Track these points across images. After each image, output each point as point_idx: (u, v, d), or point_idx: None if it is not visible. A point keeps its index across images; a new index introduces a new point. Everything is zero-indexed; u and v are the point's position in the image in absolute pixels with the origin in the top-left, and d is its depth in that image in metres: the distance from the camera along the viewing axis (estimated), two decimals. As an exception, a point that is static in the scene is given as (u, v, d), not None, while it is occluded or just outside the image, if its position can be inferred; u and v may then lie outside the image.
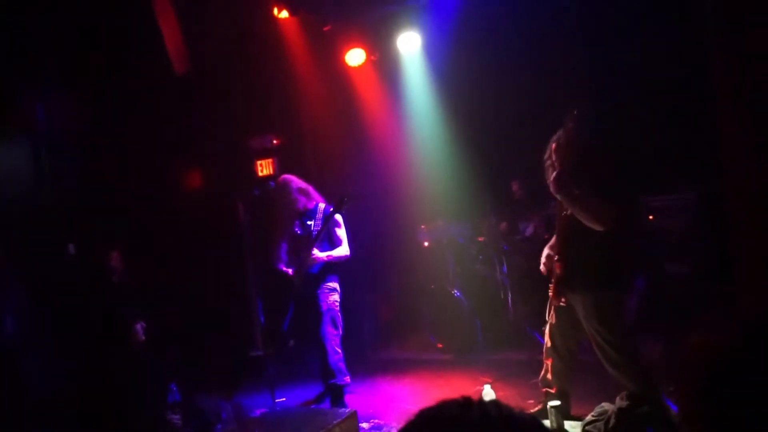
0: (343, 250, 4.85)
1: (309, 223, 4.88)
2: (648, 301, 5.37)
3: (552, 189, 3.54)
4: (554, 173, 3.50)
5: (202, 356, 5.86)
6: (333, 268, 4.90)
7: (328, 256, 4.77)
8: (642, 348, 3.96)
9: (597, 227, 3.42)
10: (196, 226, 6.64)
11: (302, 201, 4.92)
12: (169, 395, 4.64)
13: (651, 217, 5.80)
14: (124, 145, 6.23)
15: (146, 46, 6.13)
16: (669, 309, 5.29)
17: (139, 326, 5.29)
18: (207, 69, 6.62)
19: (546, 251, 3.85)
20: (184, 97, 6.56)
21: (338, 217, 4.82)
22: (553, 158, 3.63)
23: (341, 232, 4.87)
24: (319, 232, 4.72)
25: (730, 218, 3.87)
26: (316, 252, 4.71)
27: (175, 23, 6.39)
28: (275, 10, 6.78)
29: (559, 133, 3.68)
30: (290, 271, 4.87)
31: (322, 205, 4.96)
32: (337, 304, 4.85)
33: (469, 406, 0.91)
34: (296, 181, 4.99)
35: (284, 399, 5.33)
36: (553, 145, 3.67)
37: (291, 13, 6.77)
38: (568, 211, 3.56)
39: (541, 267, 3.85)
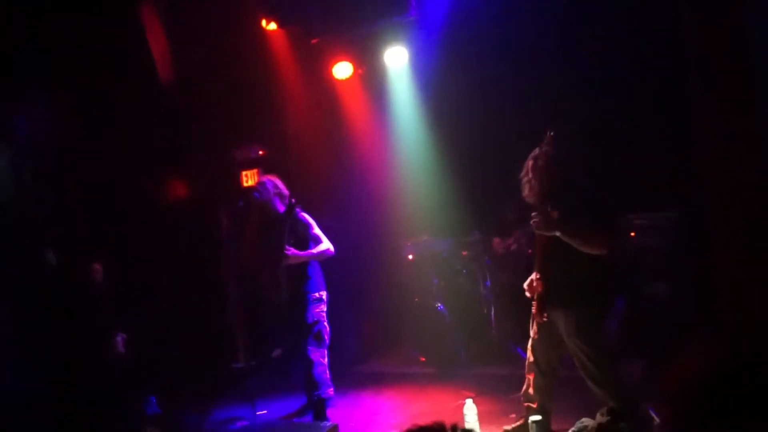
0: (323, 245, 4.76)
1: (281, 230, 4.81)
2: (628, 320, 5.42)
3: (540, 230, 3.60)
4: (537, 214, 3.57)
5: (183, 368, 5.80)
6: (318, 276, 4.86)
7: (305, 253, 4.71)
8: (623, 366, 4.00)
9: (595, 252, 3.49)
10: (180, 236, 6.59)
11: (277, 204, 4.86)
12: (148, 408, 4.59)
13: (632, 234, 5.86)
14: (107, 154, 6.17)
15: (131, 55, 6.11)
16: (649, 328, 5.34)
17: (119, 338, 5.23)
18: (192, 78, 6.61)
19: (532, 276, 3.85)
20: (169, 106, 6.53)
21: (307, 217, 4.79)
22: (530, 176, 3.71)
23: (316, 231, 4.82)
24: (281, 239, 4.63)
25: (709, 237, 3.92)
26: (289, 250, 4.64)
27: (160, 32, 6.39)
28: (263, 22, 6.80)
29: (536, 150, 3.76)
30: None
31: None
32: (324, 314, 4.82)
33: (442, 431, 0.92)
34: (273, 184, 4.92)
35: (265, 411, 5.28)
36: (530, 163, 3.74)
37: (279, 25, 6.79)
38: (549, 231, 3.62)
39: (526, 293, 3.86)
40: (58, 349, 4.96)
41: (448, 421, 1.26)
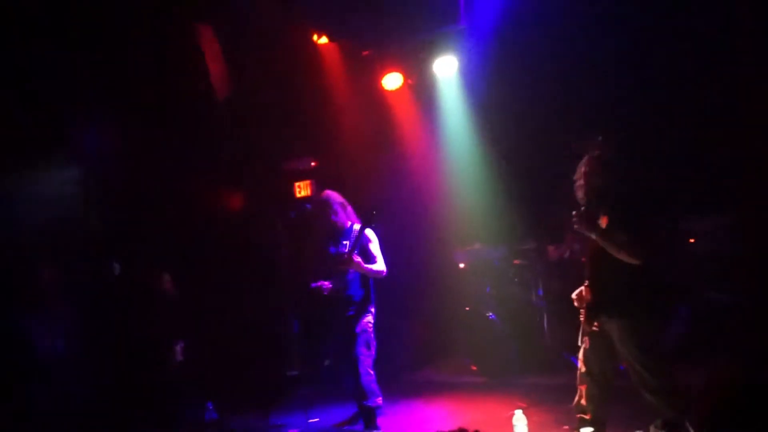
0: (378, 265, 4.81)
1: (345, 242, 4.91)
2: (694, 327, 5.26)
3: (579, 230, 3.57)
4: (578, 214, 3.53)
5: (239, 375, 5.95)
6: (368, 289, 4.91)
7: (365, 266, 4.74)
8: (684, 375, 3.87)
9: (630, 261, 3.43)
10: (235, 247, 6.78)
11: (341, 216, 4.95)
12: (206, 414, 4.73)
13: (692, 240, 5.68)
14: (168, 169, 6.43)
15: (190, 73, 6.35)
16: (712, 336, 5.16)
17: (178, 346, 5.41)
18: (248, 93, 6.82)
19: (581, 288, 3.79)
20: (226, 121, 6.75)
21: (370, 233, 4.84)
22: (582, 180, 3.67)
23: (375, 248, 4.85)
24: (352, 247, 4.70)
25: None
26: (355, 257, 4.66)
27: (218, 50, 6.63)
28: (315, 36, 6.97)
29: (587, 156, 3.72)
30: (327, 284, 4.82)
31: (357, 226, 4.98)
32: (371, 325, 4.86)
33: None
34: (338, 197, 5.03)
35: (318, 419, 5.35)
36: (584, 169, 3.69)
37: (330, 39, 6.94)
38: (596, 236, 3.57)
39: (575, 302, 3.81)
40: (122, 356, 5.18)
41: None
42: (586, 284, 3.68)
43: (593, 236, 3.54)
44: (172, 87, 6.38)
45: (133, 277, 5.85)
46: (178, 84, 6.39)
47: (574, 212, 3.62)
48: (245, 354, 6.22)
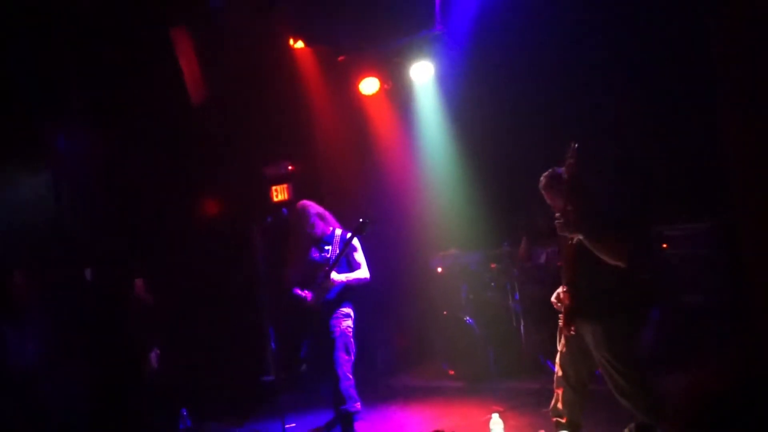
0: (362, 273, 4.85)
1: (327, 248, 4.91)
2: (664, 331, 5.33)
3: (564, 232, 3.61)
4: (562, 217, 3.57)
5: (214, 381, 5.89)
6: (348, 293, 4.90)
7: (347, 279, 4.78)
8: (659, 379, 3.93)
9: (614, 262, 3.46)
10: (211, 252, 6.71)
11: (320, 226, 4.95)
12: (180, 421, 4.67)
13: (665, 246, 5.76)
14: (142, 173, 6.35)
15: (164, 77, 6.28)
16: (685, 340, 5.24)
17: (153, 354, 5.34)
18: (223, 97, 6.76)
19: (560, 289, 3.83)
20: (201, 125, 6.69)
21: (355, 241, 4.85)
22: (551, 202, 3.75)
23: (359, 256, 4.89)
24: (338, 256, 4.73)
25: (743, 248, 3.85)
26: (334, 275, 4.73)
27: (192, 54, 6.56)
28: (291, 41, 6.95)
29: (544, 177, 3.80)
30: (308, 294, 4.85)
31: (338, 231, 4.98)
32: (351, 330, 4.85)
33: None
34: (315, 207, 5.02)
35: (294, 425, 5.33)
36: (544, 194, 3.79)
37: (306, 43, 6.93)
38: (574, 240, 3.59)
39: (554, 303, 3.85)
40: (94, 364, 5.09)
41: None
42: (564, 288, 3.71)
43: (580, 236, 3.56)
44: (147, 90, 6.30)
45: (105, 283, 5.76)
46: (152, 87, 6.31)
47: (557, 214, 3.66)
48: (220, 360, 6.15)
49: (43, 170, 5.96)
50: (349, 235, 4.76)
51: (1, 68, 5.43)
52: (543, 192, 3.88)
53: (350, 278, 4.79)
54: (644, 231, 5.48)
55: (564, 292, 3.71)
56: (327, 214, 5.05)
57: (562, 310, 3.74)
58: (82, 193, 6.23)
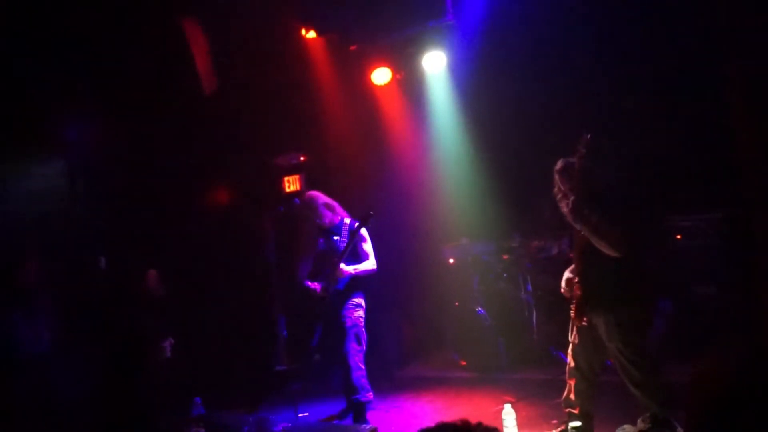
0: (370, 263, 4.87)
1: (335, 238, 4.93)
2: (676, 322, 5.31)
3: (569, 219, 3.61)
4: (569, 203, 3.56)
5: (227, 370, 5.93)
6: (359, 284, 4.92)
7: (355, 270, 4.80)
8: (669, 369, 3.91)
9: (613, 254, 3.46)
10: (223, 242, 6.75)
11: (328, 216, 4.97)
12: (193, 409, 4.71)
13: (678, 237, 5.73)
14: (154, 163, 6.38)
15: (176, 67, 6.29)
16: (697, 330, 5.21)
17: (167, 343, 5.38)
18: (235, 88, 6.77)
19: (566, 275, 3.85)
20: (213, 116, 6.70)
21: (364, 231, 4.85)
22: (560, 186, 3.72)
23: (367, 246, 4.90)
24: (346, 246, 4.75)
25: (754, 239, 3.82)
26: (343, 266, 4.75)
27: (204, 44, 6.56)
28: (303, 31, 6.92)
29: (562, 161, 3.77)
30: (317, 286, 4.88)
31: (347, 221, 4.99)
32: (362, 320, 4.87)
33: (468, 430, 0.94)
34: (322, 197, 5.03)
35: (307, 414, 5.36)
36: (557, 176, 3.75)
37: (318, 33, 6.89)
38: (583, 231, 3.59)
39: (562, 290, 3.86)
40: (108, 352, 5.15)
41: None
42: (575, 279, 3.70)
43: (584, 227, 3.56)
44: (159, 81, 6.32)
45: (119, 272, 5.80)
46: (164, 78, 6.33)
47: (565, 202, 3.65)
48: (233, 349, 6.20)
49: (56, 160, 6.01)
50: (357, 225, 4.77)
51: (14, 59, 5.46)
52: (556, 175, 3.84)
53: (358, 269, 4.81)
54: (654, 222, 5.45)
55: (576, 282, 3.71)
56: (335, 203, 5.05)
57: (574, 300, 3.74)
58: (95, 183, 6.28)
